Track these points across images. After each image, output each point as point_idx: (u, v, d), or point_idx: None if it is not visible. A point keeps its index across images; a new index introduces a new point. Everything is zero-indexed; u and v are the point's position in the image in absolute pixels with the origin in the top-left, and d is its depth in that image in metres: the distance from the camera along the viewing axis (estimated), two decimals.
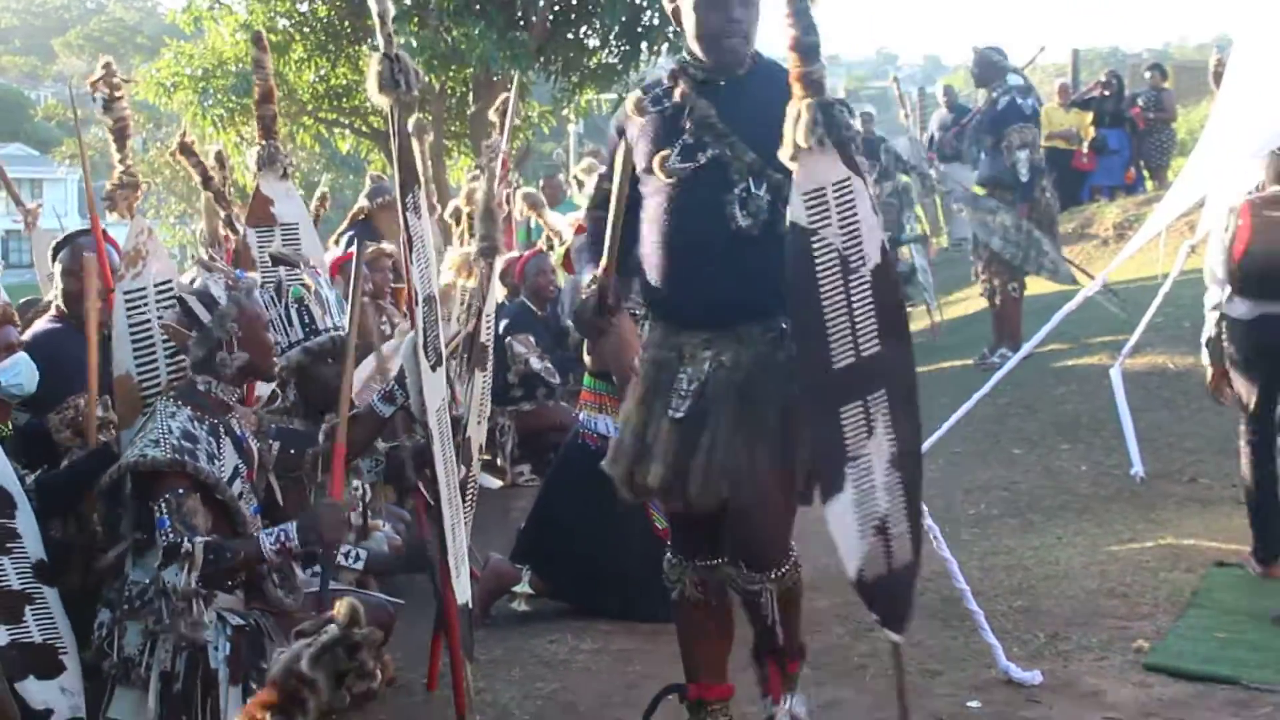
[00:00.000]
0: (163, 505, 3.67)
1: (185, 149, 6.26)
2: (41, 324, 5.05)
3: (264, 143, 5.80)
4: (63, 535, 4.24)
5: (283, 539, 3.74)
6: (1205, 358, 5.33)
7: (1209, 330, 5.23)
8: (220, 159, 6.78)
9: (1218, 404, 5.65)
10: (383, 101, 3.61)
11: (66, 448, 4.35)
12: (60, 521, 4.23)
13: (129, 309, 4.22)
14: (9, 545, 3.80)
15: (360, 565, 4.34)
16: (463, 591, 4.10)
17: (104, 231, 5.03)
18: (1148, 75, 16.83)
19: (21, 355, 4.37)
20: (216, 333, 3.92)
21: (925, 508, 4.04)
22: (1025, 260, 9.00)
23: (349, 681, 1.63)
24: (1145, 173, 15.94)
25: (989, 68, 9.78)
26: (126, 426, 4.10)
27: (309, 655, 1.62)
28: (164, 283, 4.28)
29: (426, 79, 11.73)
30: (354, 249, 6.53)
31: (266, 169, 5.70)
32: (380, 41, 3.57)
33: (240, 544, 3.74)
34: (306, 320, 4.66)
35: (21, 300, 6.39)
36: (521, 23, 12.74)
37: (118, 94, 5.03)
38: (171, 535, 3.63)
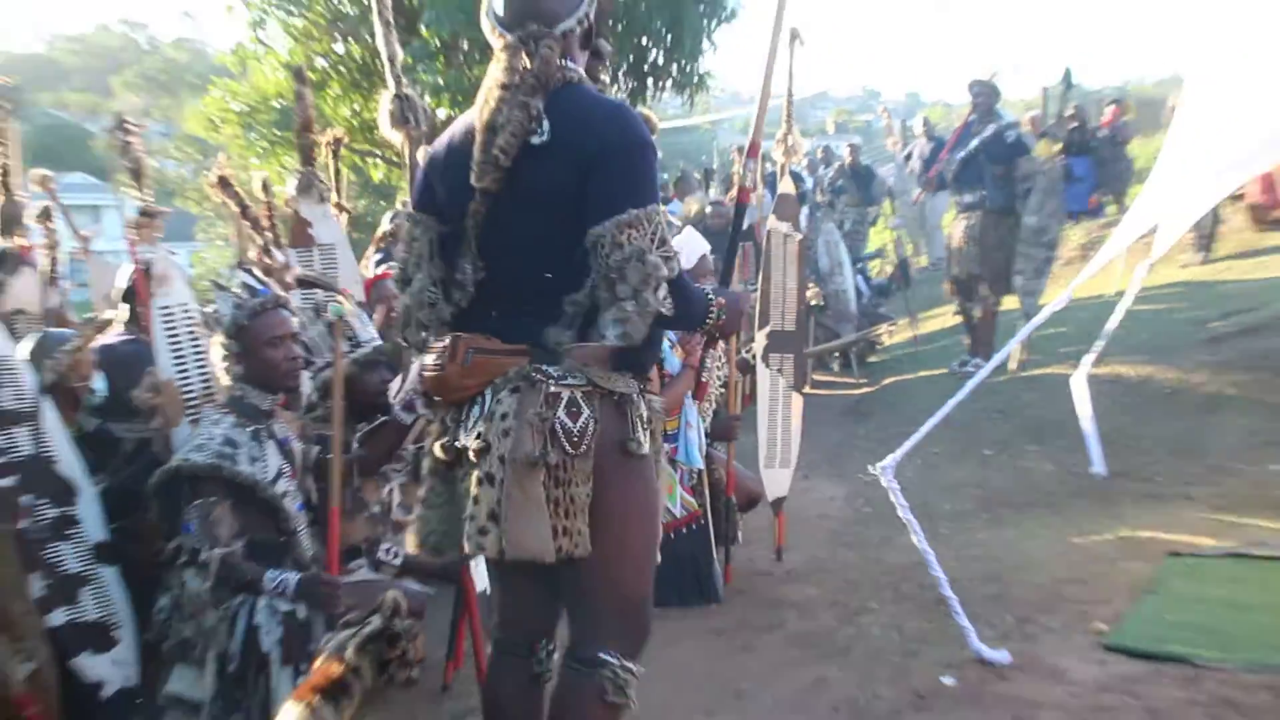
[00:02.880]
0: (193, 510, 3.71)
1: (223, 182, 6.31)
2: (112, 339, 5.11)
3: (302, 170, 5.81)
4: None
5: (282, 587, 3.76)
6: None
7: None
8: (266, 186, 6.82)
9: None
10: (394, 136, 3.66)
11: (140, 435, 4.42)
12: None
13: (164, 324, 4.34)
14: (68, 531, 3.86)
15: (399, 561, 4.39)
16: (480, 579, 4.15)
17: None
18: (1108, 109, 16.84)
19: None
20: (225, 348, 4.00)
21: (905, 503, 4.08)
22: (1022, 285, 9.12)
23: (391, 669, 1.65)
24: (1107, 198, 15.96)
25: (993, 97, 9.79)
26: (174, 425, 4.16)
27: (354, 644, 1.64)
28: (183, 303, 4.40)
29: (453, 113, 11.77)
30: (385, 269, 6.60)
31: (304, 194, 5.72)
32: (390, 82, 3.61)
33: (250, 570, 3.74)
34: (349, 334, 4.70)
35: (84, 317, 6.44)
36: None
37: (130, 139, 5.12)
38: (195, 541, 3.68)
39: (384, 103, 3.65)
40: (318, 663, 1.70)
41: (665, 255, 2.46)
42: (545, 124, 2.55)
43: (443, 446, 2.73)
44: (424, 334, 2.79)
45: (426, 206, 2.81)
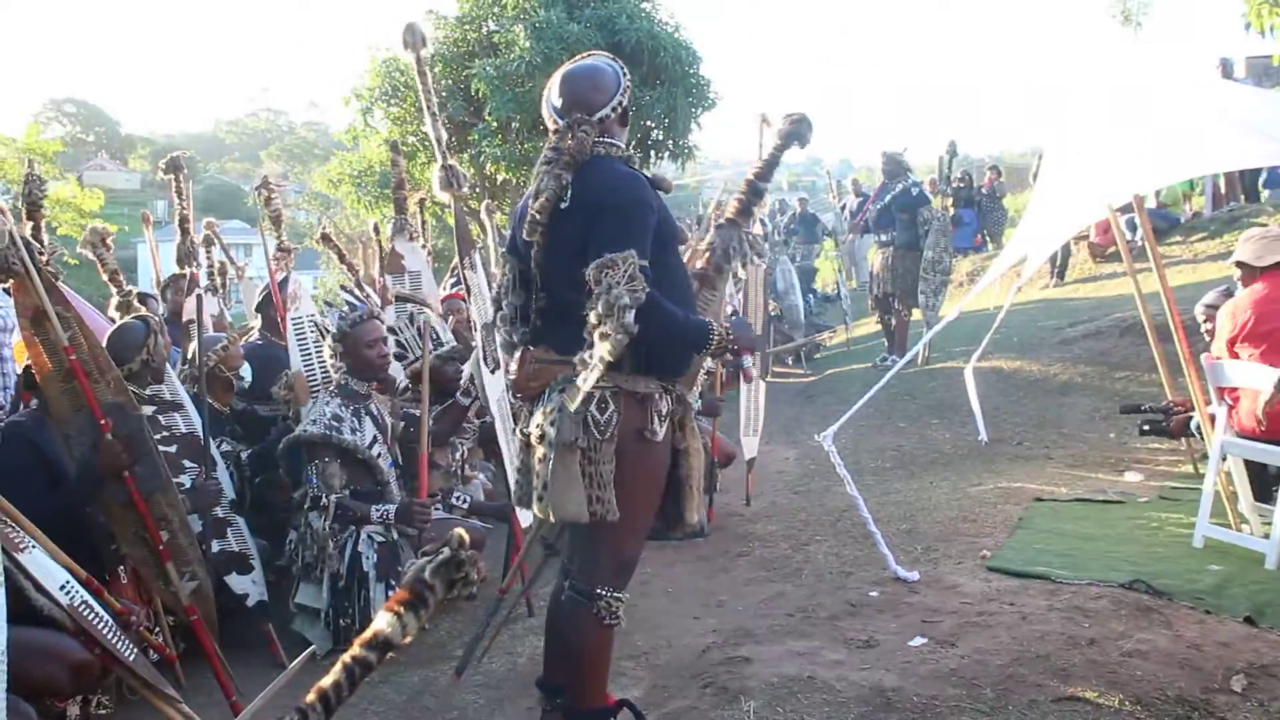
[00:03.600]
0: (313, 468, 3.73)
1: (325, 238, 6.32)
2: (251, 340, 5.12)
3: (397, 217, 5.87)
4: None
5: (386, 515, 3.75)
6: None
7: None
8: (376, 229, 6.84)
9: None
10: (444, 196, 3.64)
11: (276, 414, 4.40)
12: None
13: (295, 329, 4.36)
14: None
15: (466, 505, 4.36)
16: (525, 520, 4.11)
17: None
18: (988, 173, 16.78)
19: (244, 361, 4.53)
20: (333, 348, 3.98)
21: (841, 462, 4.04)
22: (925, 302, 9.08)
23: (457, 587, 1.63)
24: (988, 238, 15.91)
25: (897, 165, 9.75)
26: (303, 404, 4.16)
27: (430, 568, 1.62)
28: (310, 315, 4.43)
29: (508, 175, 11.67)
30: (457, 289, 6.56)
31: (399, 234, 5.77)
32: (438, 156, 3.59)
33: (358, 507, 3.74)
34: (435, 336, 4.69)
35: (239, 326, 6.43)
36: None
37: (273, 195, 5.22)
38: (315, 490, 3.68)
39: (435, 171, 3.61)
40: (403, 583, 1.68)
41: (631, 290, 2.28)
42: (569, 192, 2.48)
43: (521, 431, 2.66)
44: (512, 341, 2.71)
45: (512, 250, 2.72)
